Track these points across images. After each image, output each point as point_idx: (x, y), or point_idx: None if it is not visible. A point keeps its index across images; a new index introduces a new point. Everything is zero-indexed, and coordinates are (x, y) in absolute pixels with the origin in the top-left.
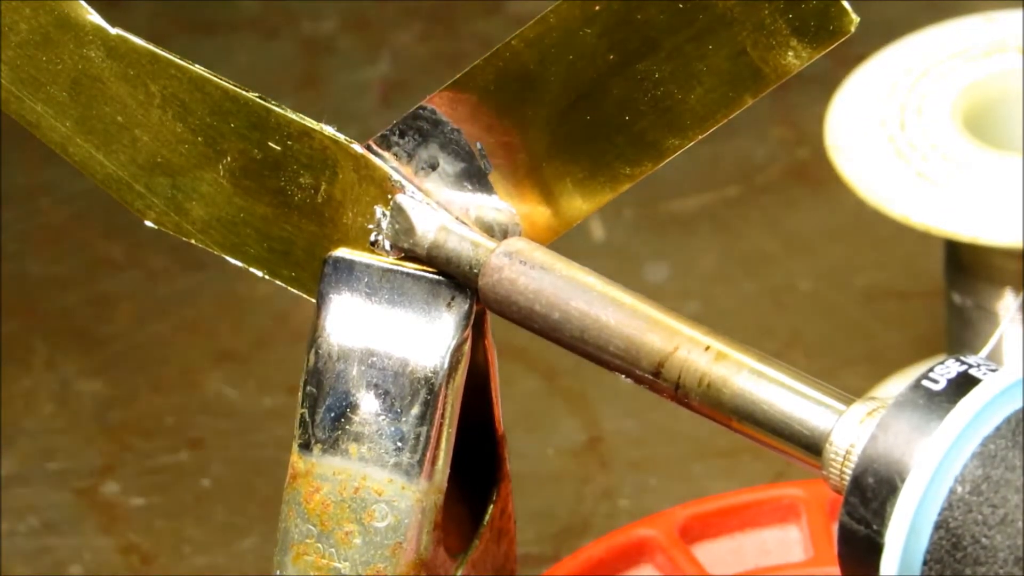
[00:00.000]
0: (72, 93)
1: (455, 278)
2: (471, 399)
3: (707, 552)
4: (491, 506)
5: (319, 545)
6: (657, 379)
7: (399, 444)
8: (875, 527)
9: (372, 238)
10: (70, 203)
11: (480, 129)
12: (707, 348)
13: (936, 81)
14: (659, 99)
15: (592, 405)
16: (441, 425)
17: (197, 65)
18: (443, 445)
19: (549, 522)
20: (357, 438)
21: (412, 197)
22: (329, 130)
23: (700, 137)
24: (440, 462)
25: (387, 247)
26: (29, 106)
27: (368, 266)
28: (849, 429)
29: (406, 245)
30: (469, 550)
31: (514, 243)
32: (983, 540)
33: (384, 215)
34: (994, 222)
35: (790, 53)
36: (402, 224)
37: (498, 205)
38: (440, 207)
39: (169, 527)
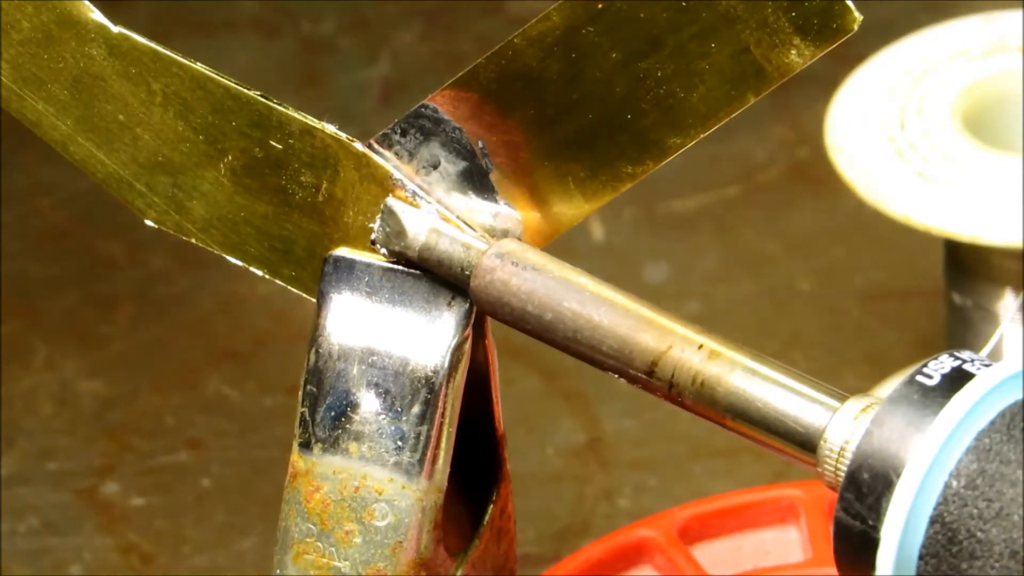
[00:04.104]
0: (73, 91)
1: (447, 280)
2: (471, 399)
3: (706, 553)
4: (491, 506)
5: (319, 544)
6: (650, 378)
7: (399, 443)
8: (871, 522)
9: (373, 237)
10: (70, 203)
11: (482, 128)
12: (700, 347)
13: (936, 81)
14: (661, 97)
15: (592, 405)
16: (441, 424)
17: (199, 63)
18: (443, 444)
19: (549, 522)
20: (357, 437)
21: (407, 198)
22: (331, 128)
23: (702, 136)
24: (440, 461)
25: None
26: (30, 104)
27: (369, 265)
28: (843, 426)
29: (397, 248)
30: (469, 550)
31: (506, 244)
32: (979, 534)
33: None
34: (994, 222)
35: (793, 51)
36: (393, 227)
37: (499, 204)
38: (439, 206)
39: (169, 527)
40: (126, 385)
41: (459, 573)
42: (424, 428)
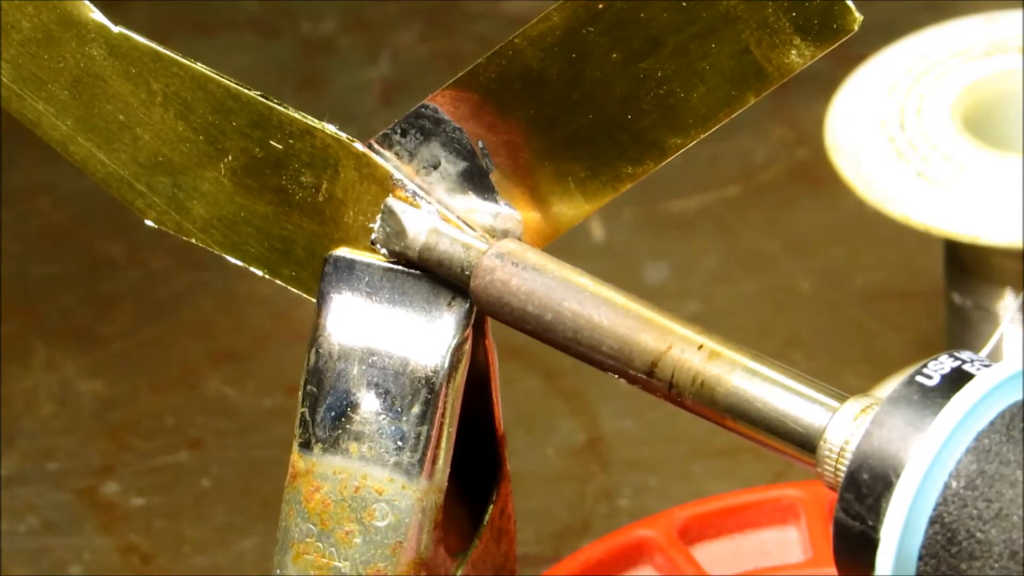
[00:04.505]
0: (74, 91)
1: (447, 280)
2: (471, 399)
3: (706, 553)
4: (491, 506)
5: (319, 544)
6: (651, 379)
7: (399, 443)
8: (870, 523)
9: (373, 237)
10: (70, 203)
11: (482, 128)
12: (700, 347)
13: (936, 81)
14: (662, 97)
15: (592, 405)
16: (441, 424)
17: (199, 63)
18: (443, 444)
19: (549, 522)
20: (358, 437)
21: (407, 198)
22: (331, 128)
23: (702, 136)
24: (440, 461)
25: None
26: (30, 104)
27: (369, 265)
28: (843, 426)
29: (398, 248)
30: (469, 550)
31: (506, 244)
32: (978, 535)
33: None
34: (994, 222)
35: (793, 51)
36: (393, 227)
37: (499, 204)
38: (439, 206)
39: (169, 527)
40: (126, 385)
41: (459, 573)
42: (424, 428)
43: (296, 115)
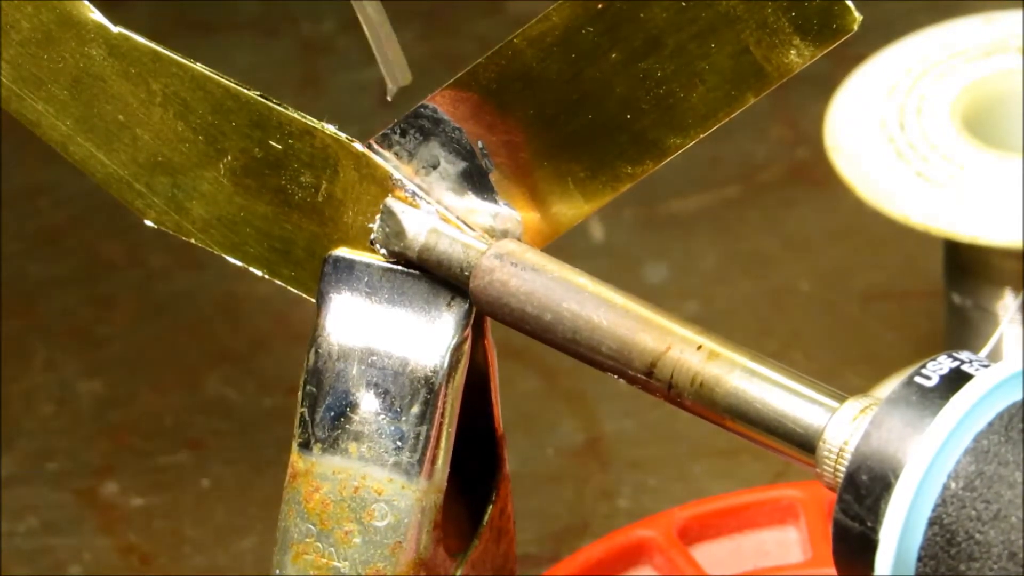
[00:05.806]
0: (73, 92)
1: (447, 281)
2: (471, 399)
3: (706, 553)
4: (491, 506)
5: (319, 544)
6: (650, 379)
7: (399, 443)
8: (869, 524)
9: (372, 237)
10: (70, 203)
11: (482, 128)
12: (699, 347)
13: (936, 81)
14: (661, 97)
15: (591, 405)
16: (441, 424)
17: (199, 63)
18: (443, 444)
19: (549, 522)
20: (357, 437)
21: (406, 199)
22: (331, 128)
23: (702, 136)
24: (440, 461)
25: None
26: (30, 105)
27: (368, 265)
28: (842, 426)
29: (397, 248)
30: (469, 550)
31: (505, 245)
32: (977, 536)
33: None
34: (994, 222)
35: (792, 51)
36: (392, 227)
37: (499, 204)
38: (439, 207)
39: (169, 527)
40: (126, 385)
41: (459, 573)
42: (423, 428)
43: (296, 115)
